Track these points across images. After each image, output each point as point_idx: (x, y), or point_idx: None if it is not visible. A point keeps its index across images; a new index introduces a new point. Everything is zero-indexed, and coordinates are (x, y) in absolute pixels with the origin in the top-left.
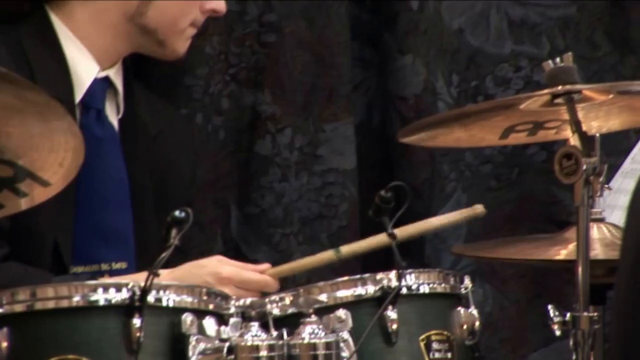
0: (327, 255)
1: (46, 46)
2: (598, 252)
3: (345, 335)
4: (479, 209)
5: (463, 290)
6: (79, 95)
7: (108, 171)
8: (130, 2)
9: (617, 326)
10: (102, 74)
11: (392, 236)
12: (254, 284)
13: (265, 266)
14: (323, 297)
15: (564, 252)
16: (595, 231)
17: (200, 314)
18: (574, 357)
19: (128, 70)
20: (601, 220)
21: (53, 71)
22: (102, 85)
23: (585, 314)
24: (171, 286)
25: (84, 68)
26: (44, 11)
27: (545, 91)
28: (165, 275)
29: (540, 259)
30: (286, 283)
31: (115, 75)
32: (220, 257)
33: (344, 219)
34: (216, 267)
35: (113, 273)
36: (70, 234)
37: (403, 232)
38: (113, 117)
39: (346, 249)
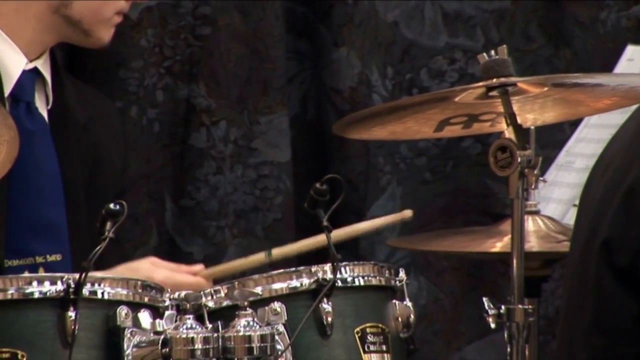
0: (258, 257)
1: None
2: (533, 244)
3: (280, 327)
4: (407, 213)
5: (398, 283)
6: (8, 88)
7: (39, 163)
8: None
9: (564, 315)
10: (30, 66)
11: (327, 229)
12: (187, 287)
13: (199, 267)
14: (258, 290)
15: (499, 244)
16: (530, 223)
17: (135, 306)
18: (508, 349)
19: (55, 60)
20: (536, 212)
21: None
22: (30, 77)
23: (520, 306)
24: (106, 279)
25: (12, 60)
26: None
27: (480, 84)
28: None
29: (475, 251)
30: None
31: (43, 65)
32: (153, 259)
33: (278, 211)
34: (149, 271)
35: (48, 265)
36: (3, 228)
37: (334, 235)
38: (43, 108)
39: (277, 252)
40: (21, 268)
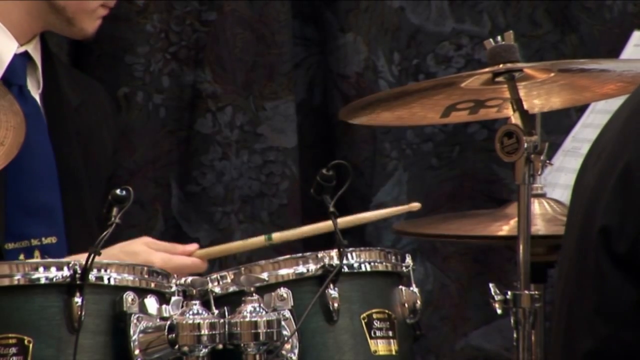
0: (258, 240)
1: None
2: (539, 227)
3: (287, 313)
4: (415, 206)
5: (404, 269)
6: (0, 72)
7: (33, 147)
8: None
9: (561, 303)
10: (21, 50)
11: (333, 215)
12: (185, 268)
13: (193, 247)
14: (264, 276)
15: (506, 227)
16: (536, 206)
17: (141, 292)
18: (514, 335)
19: (47, 45)
20: (542, 195)
21: None
22: (22, 61)
23: (526, 292)
24: (112, 265)
25: (3, 44)
26: None
27: (487, 69)
28: None
29: (482, 235)
30: (227, 261)
31: (34, 50)
32: (147, 239)
33: (284, 197)
34: (148, 255)
35: (43, 248)
36: (1, 212)
37: (339, 223)
38: (35, 92)
39: (277, 236)
40: (17, 251)
